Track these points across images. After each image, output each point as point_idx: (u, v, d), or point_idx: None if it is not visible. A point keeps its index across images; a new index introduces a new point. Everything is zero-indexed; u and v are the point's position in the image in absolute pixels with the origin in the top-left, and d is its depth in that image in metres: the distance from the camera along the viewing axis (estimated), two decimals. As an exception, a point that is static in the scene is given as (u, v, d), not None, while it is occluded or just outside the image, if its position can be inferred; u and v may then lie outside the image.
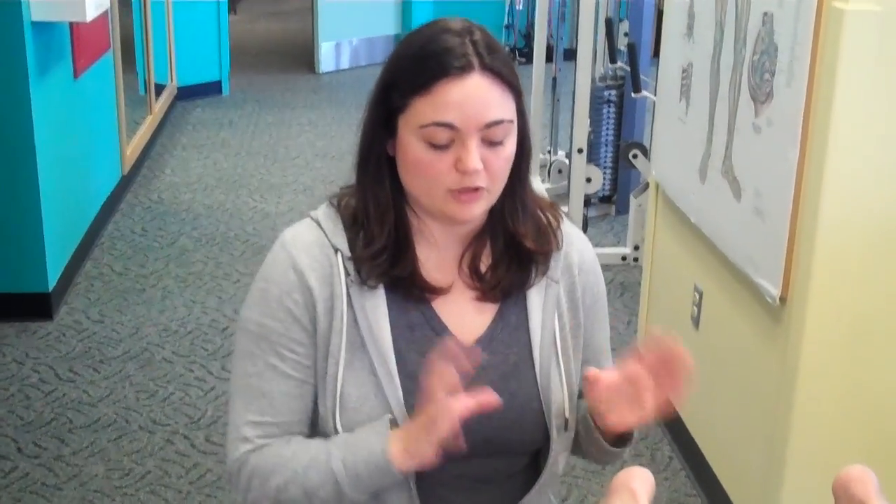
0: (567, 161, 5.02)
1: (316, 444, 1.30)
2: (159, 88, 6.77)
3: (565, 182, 5.03)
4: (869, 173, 2.14)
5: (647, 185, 4.14)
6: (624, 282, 4.45)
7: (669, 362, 1.24)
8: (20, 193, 3.81)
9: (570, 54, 5.20)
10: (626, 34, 5.13)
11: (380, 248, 1.30)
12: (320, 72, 8.81)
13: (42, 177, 3.83)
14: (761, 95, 2.35)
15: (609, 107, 5.11)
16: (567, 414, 1.36)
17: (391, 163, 1.31)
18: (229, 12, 8.53)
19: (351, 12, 8.83)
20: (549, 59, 5.46)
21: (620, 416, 1.29)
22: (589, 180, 4.70)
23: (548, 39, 5.43)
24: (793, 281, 2.25)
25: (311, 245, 1.33)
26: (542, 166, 5.47)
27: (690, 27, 2.86)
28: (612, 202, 5.37)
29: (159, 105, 6.68)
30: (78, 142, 4.49)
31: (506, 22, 9.08)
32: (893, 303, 2.24)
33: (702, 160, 2.74)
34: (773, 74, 2.28)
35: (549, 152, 5.60)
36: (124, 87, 5.43)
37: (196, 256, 4.65)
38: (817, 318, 2.22)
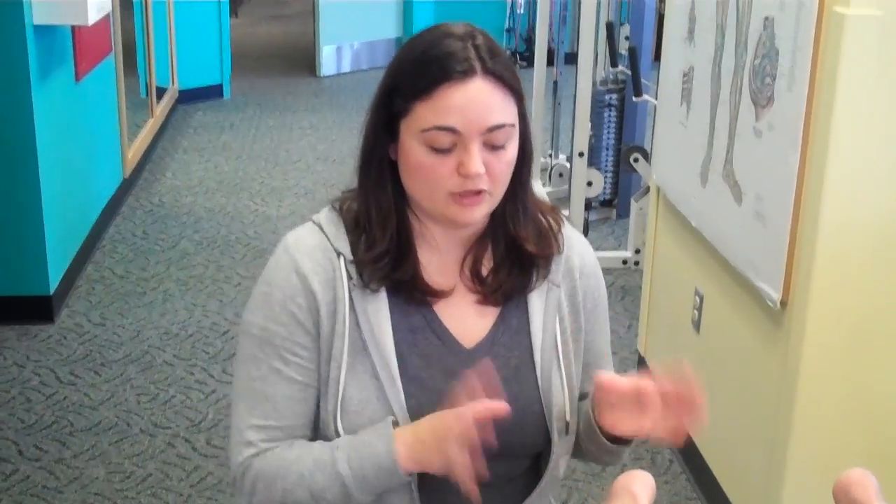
0: (568, 165, 5.02)
1: (320, 447, 1.30)
2: (160, 92, 6.77)
3: (566, 186, 5.04)
4: (869, 177, 2.14)
5: (647, 189, 4.14)
6: (625, 285, 4.45)
7: (682, 397, 1.24)
8: (21, 196, 3.81)
9: (572, 58, 5.20)
10: (627, 38, 5.13)
11: (382, 251, 1.31)
12: (321, 75, 8.82)
13: (43, 180, 3.84)
14: (762, 99, 2.35)
15: (610, 110, 5.12)
16: (568, 417, 1.37)
17: (393, 167, 1.31)
18: (230, 15, 8.53)
19: (352, 16, 8.83)
20: (550, 62, 5.47)
21: (618, 421, 1.30)
22: (590, 184, 4.70)
23: (549, 43, 5.44)
24: (793, 285, 2.25)
25: (314, 249, 1.33)
26: (543, 170, 5.48)
27: (691, 31, 2.86)
28: (612, 206, 5.37)
29: (160, 108, 6.68)
30: (79, 145, 4.50)
31: (507, 25, 9.07)
32: (894, 306, 2.24)
33: (703, 164, 2.74)
34: (773, 78, 2.29)
35: (550, 156, 5.60)
36: (126, 90, 5.43)
37: (197, 260, 4.65)
38: (818, 321, 2.23)
